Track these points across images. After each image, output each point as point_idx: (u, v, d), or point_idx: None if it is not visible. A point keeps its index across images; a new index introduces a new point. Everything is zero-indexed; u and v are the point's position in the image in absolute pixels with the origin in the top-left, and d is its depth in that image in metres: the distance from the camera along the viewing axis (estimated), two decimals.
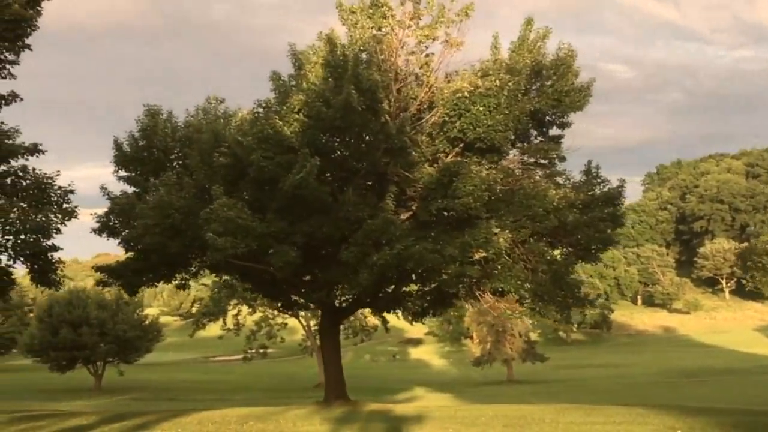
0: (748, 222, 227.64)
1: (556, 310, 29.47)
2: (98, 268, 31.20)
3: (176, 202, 26.53)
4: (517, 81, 26.58)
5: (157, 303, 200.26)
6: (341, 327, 76.30)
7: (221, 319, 77.94)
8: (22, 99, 26.88)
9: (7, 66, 26.30)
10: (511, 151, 30.05)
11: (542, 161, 30.27)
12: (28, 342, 74.63)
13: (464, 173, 25.35)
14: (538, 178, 29.71)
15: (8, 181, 27.01)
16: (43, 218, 26.77)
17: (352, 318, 77.26)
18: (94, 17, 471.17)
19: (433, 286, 30.26)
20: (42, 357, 73.93)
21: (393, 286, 30.88)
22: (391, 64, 28.49)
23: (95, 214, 30.20)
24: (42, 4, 25.79)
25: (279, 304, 37.91)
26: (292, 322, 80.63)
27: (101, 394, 66.43)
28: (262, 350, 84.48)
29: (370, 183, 28.35)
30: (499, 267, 27.60)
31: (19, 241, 26.50)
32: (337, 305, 31.68)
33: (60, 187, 27.60)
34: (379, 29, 28.81)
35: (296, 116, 26.24)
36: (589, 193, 29.35)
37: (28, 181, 27.15)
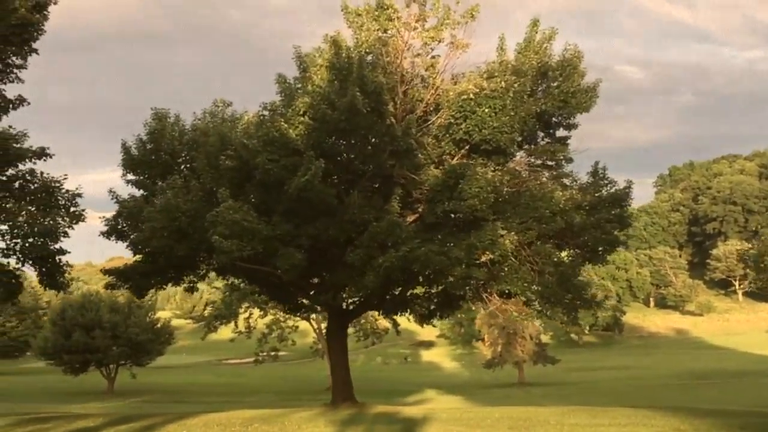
0: (762, 223, 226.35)
1: (563, 312, 29.43)
2: (106, 271, 31.31)
3: (183, 205, 26.60)
4: (522, 82, 26.61)
5: (170, 306, 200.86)
6: (352, 330, 76.96)
7: (233, 322, 78.03)
8: (29, 103, 27.02)
9: (15, 70, 26.46)
10: (517, 153, 30.04)
11: (549, 163, 30.25)
12: (41, 345, 74.92)
13: (470, 175, 25.37)
14: (544, 179, 29.70)
15: (16, 184, 27.14)
16: (51, 222, 26.91)
17: (362, 321, 77.35)
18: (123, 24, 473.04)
19: (439, 288, 30.29)
20: (55, 360, 74.23)
21: (400, 289, 30.89)
22: (397, 66, 28.56)
23: (104, 217, 30.36)
24: (48, 9, 25.95)
25: (286, 307, 37.73)
26: (303, 324, 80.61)
27: (114, 397, 66.64)
28: (273, 353, 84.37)
29: (376, 185, 28.37)
30: (506, 269, 27.63)
31: (27, 245, 26.61)
32: (344, 308, 31.71)
33: (67, 191, 27.69)
34: (385, 31, 28.89)
35: (301, 119, 26.32)
36: (596, 195, 29.27)
37: (35, 185, 27.24)
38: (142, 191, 30.39)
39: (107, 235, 30.23)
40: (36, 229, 26.39)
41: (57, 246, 27.34)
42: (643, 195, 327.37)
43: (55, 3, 26.04)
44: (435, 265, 25.30)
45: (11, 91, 26.95)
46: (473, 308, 48.44)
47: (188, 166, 30.04)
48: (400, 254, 24.67)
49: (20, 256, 26.83)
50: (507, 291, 28.34)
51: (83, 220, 28.02)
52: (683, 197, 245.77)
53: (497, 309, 31.68)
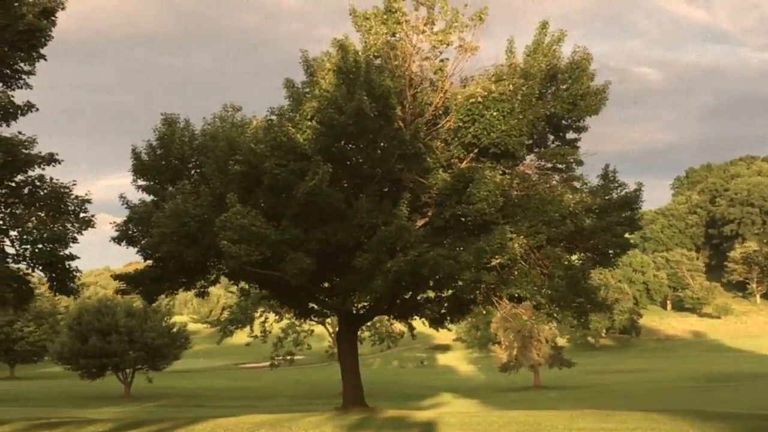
0: None
1: (573, 315, 29.31)
2: (117, 277, 31.47)
3: (192, 210, 26.64)
4: (531, 85, 26.45)
5: (187, 311, 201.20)
6: (368, 334, 76.87)
7: (248, 327, 78.08)
8: (37, 109, 27.12)
9: (23, 76, 26.57)
10: (527, 156, 29.92)
11: (559, 166, 30.13)
12: (58, 350, 75.31)
13: (478, 179, 25.30)
14: (554, 182, 29.59)
15: (26, 190, 27.23)
16: (60, 227, 26.96)
17: (378, 324, 77.26)
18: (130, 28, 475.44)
19: (449, 292, 30.21)
20: (72, 365, 74.56)
21: (410, 293, 30.86)
22: (406, 69, 28.55)
23: (114, 222, 30.46)
24: (56, 15, 26.06)
25: (296, 312, 37.75)
26: (319, 328, 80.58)
27: (130, 401, 66.88)
28: (288, 357, 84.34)
29: (384, 189, 28.31)
30: (516, 273, 27.52)
31: (36, 250, 26.68)
32: (354, 312, 31.67)
33: (77, 197, 27.76)
34: (393, 35, 28.92)
35: (309, 123, 26.34)
36: (606, 198, 29.17)
37: (45, 191, 27.34)
38: (152, 197, 30.48)
39: (118, 240, 30.36)
40: (45, 234, 26.41)
41: (66, 251, 27.44)
42: (660, 197, 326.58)
43: (62, 9, 26.14)
44: (444, 269, 25.24)
45: (19, 97, 27.10)
46: (484, 312, 48.19)
47: (198, 171, 30.12)
48: (409, 258, 24.64)
49: (30, 261, 26.94)
50: (517, 295, 28.25)
51: (93, 226, 28.10)
52: (700, 199, 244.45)
53: (507, 313, 31.55)
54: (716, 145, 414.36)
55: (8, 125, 26.83)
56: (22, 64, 26.27)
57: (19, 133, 26.75)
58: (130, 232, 30.32)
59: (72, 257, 27.56)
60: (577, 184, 29.94)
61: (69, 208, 27.59)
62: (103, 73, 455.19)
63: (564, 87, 28.77)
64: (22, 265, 27.32)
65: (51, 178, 27.46)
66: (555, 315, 29.26)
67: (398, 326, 74.28)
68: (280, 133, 25.67)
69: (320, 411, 31.14)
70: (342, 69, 26.07)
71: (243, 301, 71.97)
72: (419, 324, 38.66)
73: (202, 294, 33.17)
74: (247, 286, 38.01)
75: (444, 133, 28.03)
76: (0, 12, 24.57)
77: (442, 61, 29.33)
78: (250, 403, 62.10)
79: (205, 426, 22.80)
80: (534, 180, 28.91)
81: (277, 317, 75.55)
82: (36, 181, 27.21)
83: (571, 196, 27.82)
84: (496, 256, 25.74)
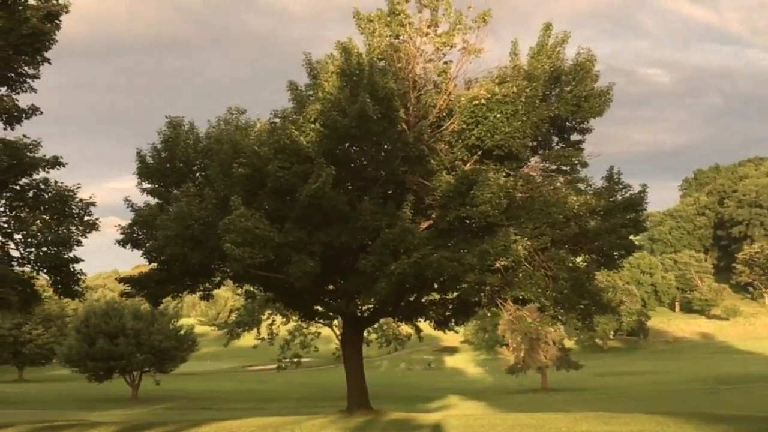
0: None
1: (577, 317, 29.25)
2: (121, 279, 31.50)
3: (196, 213, 26.71)
4: (534, 87, 26.35)
5: (195, 313, 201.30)
6: (375, 336, 76.84)
7: (255, 329, 78.11)
8: (41, 112, 27.13)
9: (27, 80, 26.63)
10: (532, 158, 29.84)
11: (563, 168, 30.05)
12: (66, 352, 75.29)
13: (482, 181, 25.24)
14: (558, 184, 29.50)
15: (30, 193, 27.27)
16: (65, 231, 27.05)
17: (385, 327, 77.23)
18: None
19: (454, 294, 30.18)
20: (80, 367, 74.54)
21: (414, 295, 30.83)
22: (409, 72, 28.52)
23: (119, 225, 30.52)
24: (60, 18, 26.08)
25: (301, 314, 37.74)
26: (326, 331, 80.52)
27: (137, 404, 66.90)
28: (296, 359, 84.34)
29: (388, 192, 28.35)
30: (520, 275, 27.42)
31: (41, 253, 26.76)
32: (358, 314, 31.67)
33: (81, 200, 27.80)
34: (397, 37, 28.91)
35: (312, 126, 26.31)
36: (611, 200, 29.08)
37: (49, 194, 27.37)
38: (157, 199, 30.53)
39: (122, 243, 30.43)
40: (50, 237, 26.50)
41: (71, 254, 27.48)
42: (668, 198, 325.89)
43: (66, 12, 26.16)
44: (448, 271, 25.21)
45: (23, 100, 27.15)
46: (489, 314, 48.18)
47: (202, 173, 30.15)
48: (413, 261, 24.62)
49: (35, 264, 27.00)
50: (521, 297, 28.16)
51: (97, 229, 28.13)
52: (709, 201, 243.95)
53: (511, 315, 31.49)
54: (725, 147, 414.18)
55: (12, 129, 26.87)
56: (26, 68, 26.33)
57: (24, 136, 26.83)
58: (135, 235, 30.36)
59: (76, 260, 27.61)
60: (581, 186, 29.82)
61: (73, 211, 27.64)
62: (107, 74, 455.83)
63: (568, 89, 28.68)
64: (27, 268, 27.39)
65: (55, 181, 27.53)
66: (560, 317, 29.28)
67: (405, 328, 74.33)
68: (284, 136, 25.66)
69: (324, 414, 31.10)
70: (345, 71, 26.07)
71: (250, 304, 71.99)
72: (426, 326, 38.67)
73: (207, 297, 33.16)
74: (252, 289, 38.01)
75: (448, 135, 27.97)
76: (4, 16, 24.63)
77: (445, 63, 29.32)
78: (257, 405, 61.99)
79: (209, 428, 22.85)
80: (538, 182, 28.82)
81: (284, 320, 75.56)
82: (40, 184, 27.24)
83: (575, 198, 27.76)
84: (500, 258, 25.70)
